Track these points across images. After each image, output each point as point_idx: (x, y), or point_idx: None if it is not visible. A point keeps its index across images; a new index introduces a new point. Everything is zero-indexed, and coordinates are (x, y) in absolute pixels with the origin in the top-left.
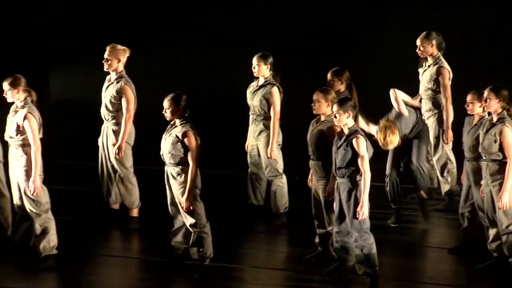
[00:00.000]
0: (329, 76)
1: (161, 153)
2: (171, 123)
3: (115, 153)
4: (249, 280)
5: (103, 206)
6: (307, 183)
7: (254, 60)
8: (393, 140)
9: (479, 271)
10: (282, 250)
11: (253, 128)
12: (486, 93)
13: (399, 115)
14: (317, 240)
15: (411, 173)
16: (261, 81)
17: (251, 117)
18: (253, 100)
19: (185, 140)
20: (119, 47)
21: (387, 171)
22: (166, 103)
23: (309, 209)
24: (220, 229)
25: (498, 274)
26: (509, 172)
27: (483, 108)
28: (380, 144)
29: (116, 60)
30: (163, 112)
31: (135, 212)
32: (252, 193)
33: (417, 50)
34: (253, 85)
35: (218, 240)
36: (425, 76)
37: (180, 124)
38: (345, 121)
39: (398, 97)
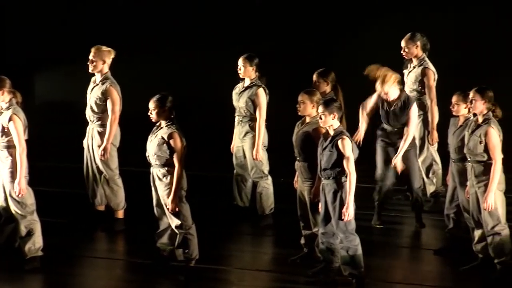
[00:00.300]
0: (314, 77)
1: (147, 154)
2: (157, 124)
3: (101, 155)
4: (234, 282)
5: (89, 207)
6: (292, 184)
7: (240, 62)
8: (390, 82)
9: (465, 272)
10: (268, 251)
11: (239, 130)
12: (471, 94)
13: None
14: (302, 241)
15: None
16: (247, 82)
17: (236, 118)
18: (239, 101)
19: (171, 141)
20: (104, 48)
21: (379, 177)
22: (151, 105)
23: (295, 210)
24: (206, 231)
25: (483, 275)
26: (494, 173)
27: (469, 109)
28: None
29: (101, 62)
30: (149, 114)
31: (120, 214)
32: (237, 194)
33: (401, 52)
34: (238, 87)
35: (203, 242)
36: (410, 77)
37: (166, 126)
38: (330, 122)
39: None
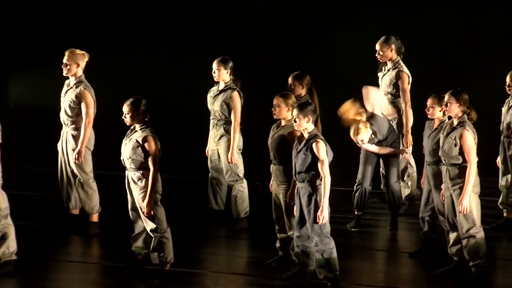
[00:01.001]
0: (290, 80)
1: (121, 158)
2: (131, 128)
3: (75, 158)
4: (210, 285)
5: (63, 211)
6: (267, 187)
7: (214, 65)
8: (363, 133)
9: (440, 275)
10: (243, 255)
11: (214, 133)
12: (446, 97)
13: (372, 116)
14: (278, 244)
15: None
16: (222, 85)
17: (211, 121)
18: (214, 104)
19: (146, 145)
20: (78, 51)
21: (359, 178)
22: (125, 108)
23: (270, 213)
24: (181, 234)
25: (458, 278)
26: (469, 176)
27: (444, 112)
28: (351, 134)
29: (75, 65)
30: (123, 117)
31: (95, 217)
32: (212, 197)
33: (376, 55)
34: (213, 90)
35: (178, 245)
36: (385, 80)
37: (140, 129)
38: (305, 125)
39: (370, 95)
